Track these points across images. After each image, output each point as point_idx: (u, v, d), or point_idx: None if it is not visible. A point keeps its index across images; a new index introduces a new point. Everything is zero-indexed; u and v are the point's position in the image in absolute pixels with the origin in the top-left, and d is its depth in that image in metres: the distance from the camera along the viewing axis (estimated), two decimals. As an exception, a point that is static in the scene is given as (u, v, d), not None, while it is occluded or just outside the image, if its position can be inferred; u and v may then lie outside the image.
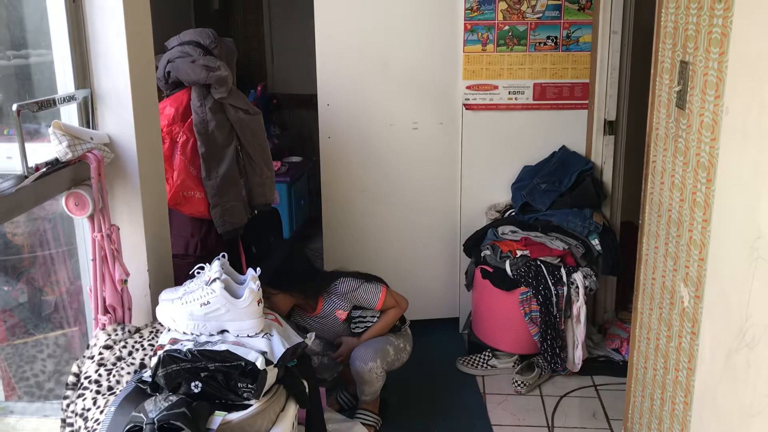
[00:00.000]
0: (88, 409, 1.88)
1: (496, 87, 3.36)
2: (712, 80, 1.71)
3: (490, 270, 3.20)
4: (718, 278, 1.69)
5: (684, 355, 1.92)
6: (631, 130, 3.38)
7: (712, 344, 1.72)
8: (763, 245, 1.43)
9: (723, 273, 1.66)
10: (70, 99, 1.97)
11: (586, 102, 3.38)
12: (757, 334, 1.46)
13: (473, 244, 3.42)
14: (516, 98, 3.38)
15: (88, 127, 2.05)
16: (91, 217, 1.99)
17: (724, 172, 1.66)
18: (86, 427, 1.85)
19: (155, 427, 1.61)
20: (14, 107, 1.72)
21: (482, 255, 3.28)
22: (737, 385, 1.56)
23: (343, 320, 2.79)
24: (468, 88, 3.37)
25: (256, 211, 2.80)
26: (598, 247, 3.21)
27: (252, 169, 2.66)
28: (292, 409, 1.97)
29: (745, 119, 1.53)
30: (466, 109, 3.40)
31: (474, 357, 3.30)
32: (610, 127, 3.34)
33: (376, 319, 2.81)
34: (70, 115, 2.05)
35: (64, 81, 2.02)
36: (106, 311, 2.07)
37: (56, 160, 1.88)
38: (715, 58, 1.69)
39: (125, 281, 2.06)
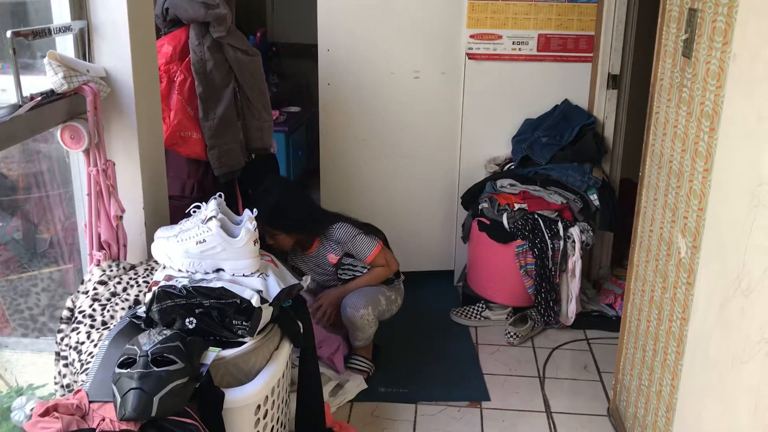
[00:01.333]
0: (82, 343, 1.88)
1: (500, 36, 3.31)
2: (721, 26, 1.68)
3: (488, 222, 3.19)
4: (717, 227, 1.68)
5: (678, 306, 1.92)
6: (635, 85, 3.34)
7: (708, 293, 1.72)
8: (765, 192, 1.42)
9: (722, 222, 1.65)
10: (65, 29, 1.93)
11: (591, 55, 3.33)
12: (752, 281, 1.45)
13: (471, 197, 3.41)
14: (520, 49, 3.33)
15: (85, 60, 2.02)
16: (87, 152, 1.98)
17: (728, 121, 1.64)
18: (80, 360, 1.85)
19: (149, 359, 1.62)
20: (8, 33, 1.68)
21: (480, 208, 3.27)
22: (730, 332, 1.56)
23: (333, 264, 2.83)
24: (471, 37, 3.32)
25: (253, 156, 2.78)
26: (597, 203, 3.20)
27: (250, 112, 2.63)
28: (286, 348, 1.98)
29: (753, 65, 1.50)
30: (469, 58, 3.35)
31: (468, 308, 3.32)
32: (613, 81, 3.30)
33: (365, 270, 2.84)
34: (66, 47, 2.02)
35: (60, 13, 1.98)
36: (101, 247, 2.06)
37: (52, 91, 1.86)
38: (725, 3, 1.65)
39: (120, 217, 2.05)
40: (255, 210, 2.25)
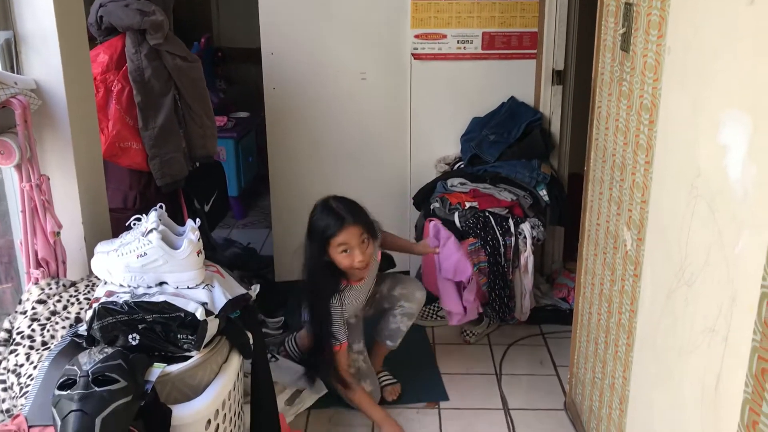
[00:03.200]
0: (21, 365, 1.81)
1: (444, 36, 3.31)
2: (655, 20, 1.69)
3: (440, 222, 3.19)
4: (659, 219, 1.70)
5: (627, 298, 1.94)
6: (580, 79, 3.37)
7: (653, 285, 1.73)
8: (702, 183, 1.43)
9: (664, 214, 1.66)
10: (-10, 41, 1.86)
11: (535, 51, 3.36)
12: (695, 271, 1.46)
13: (423, 197, 3.40)
14: (465, 47, 3.34)
15: (12, 72, 1.95)
16: (19, 167, 1.90)
17: (666, 113, 1.65)
18: (19, 383, 1.79)
19: (89, 379, 1.56)
20: (-74, 47, 1.61)
21: (431, 208, 3.26)
22: (676, 323, 1.58)
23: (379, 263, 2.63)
24: (416, 37, 3.31)
25: (197, 164, 2.72)
26: (546, 198, 3.22)
27: (191, 119, 2.57)
28: (235, 361, 1.94)
29: (686, 57, 1.52)
30: (415, 58, 3.34)
31: (424, 308, 3.30)
32: (558, 77, 3.33)
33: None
34: (-9, 59, 1.95)
35: (-16, 23, 1.91)
36: (38, 265, 1.99)
37: (-23, 105, 1.78)
38: (658, -3, 1.67)
39: (58, 233, 1.98)
40: (350, 216, 2.29)
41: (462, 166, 3.40)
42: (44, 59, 1.96)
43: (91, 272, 2.04)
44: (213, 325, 1.82)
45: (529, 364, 2.96)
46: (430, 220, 3.22)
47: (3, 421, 1.80)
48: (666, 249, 1.63)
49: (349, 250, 2.35)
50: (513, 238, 3.05)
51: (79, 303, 1.97)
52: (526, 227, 3.07)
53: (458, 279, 2.73)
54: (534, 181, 3.21)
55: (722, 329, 1.32)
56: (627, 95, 1.93)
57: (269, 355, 2.82)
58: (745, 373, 1.20)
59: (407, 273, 3.68)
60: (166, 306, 1.77)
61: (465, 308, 2.78)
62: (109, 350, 1.66)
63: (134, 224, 1.95)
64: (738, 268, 1.26)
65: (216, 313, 1.83)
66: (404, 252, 2.94)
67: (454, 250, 2.66)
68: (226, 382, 1.85)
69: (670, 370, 1.61)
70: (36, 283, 1.98)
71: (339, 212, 2.36)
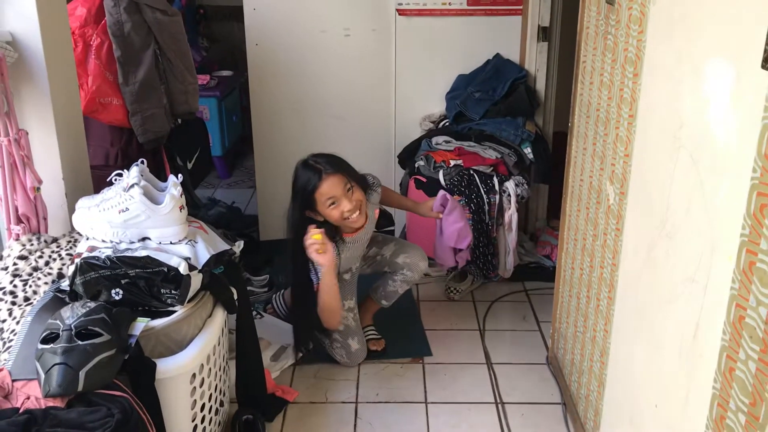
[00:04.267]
0: (4, 321, 1.81)
1: (429, -9, 3.27)
2: (641, -29, 1.68)
3: (424, 180, 3.18)
4: (642, 172, 1.70)
5: (609, 252, 1.95)
6: (565, 36, 3.34)
7: (635, 238, 1.75)
8: (685, 134, 1.43)
9: (647, 166, 1.67)
10: (-38, -9, 1.81)
11: (521, 8, 3.32)
12: (676, 222, 1.47)
13: (407, 156, 3.39)
14: (450, 3, 3.29)
15: (-13, 24, 1.90)
16: (-4, 121, 1.87)
17: (650, 65, 1.64)
18: (2, 338, 1.78)
19: (72, 333, 1.57)
20: None
21: (416, 166, 3.25)
22: (657, 275, 1.59)
23: (376, 219, 2.63)
24: (401, -8, 3.26)
25: (179, 121, 2.69)
26: (531, 156, 3.22)
27: (173, 74, 2.54)
28: (219, 316, 1.95)
29: (672, 6, 1.51)
30: (400, 14, 3.30)
31: (408, 267, 3.32)
32: (543, 33, 3.30)
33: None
34: (-35, 11, 1.90)
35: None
36: (19, 221, 1.98)
37: (-49, 57, 1.75)
38: (645, -53, 1.65)
39: (38, 189, 1.97)
40: (331, 167, 2.29)
41: (447, 124, 3.38)
42: (20, 11, 1.92)
43: (72, 228, 2.02)
44: (196, 280, 1.83)
45: (512, 320, 2.99)
46: (414, 178, 3.22)
47: (-13, 375, 1.80)
48: (648, 202, 1.64)
49: (336, 202, 2.33)
50: (497, 196, 3.05)
51: (61, 258, 1.96)
52: (510, 185, 3.08)
53: (459, 246, 2.75)
54: (519, 138, 3.21)
55: (702, 279, 1.33)
56: (612, 49, 1.92)
57: (254, 312, 2.83)
58: (723, 321, 1.22)
59: (391, 232, 3.69)
60: (148, 261, 1.76)
61: (457, 262, 2.84)
62: (92, 304, 1.66)
63: (116, 180, 1.94)
64: (718, 218, 1.27)
65: (199, 268, 1.83)
66: (407, 210, 2.96)
67: (458, 218, 2.69)
68: (211, 337, 1.86)
69: (650, 322, 1.63)
70: (17, 239, 1.97)
71: (317, 166, 2.35)
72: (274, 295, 2.96)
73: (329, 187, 2.31)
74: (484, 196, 3.04)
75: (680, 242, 1.46)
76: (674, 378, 1.47)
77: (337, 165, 2.36)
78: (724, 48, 1.26)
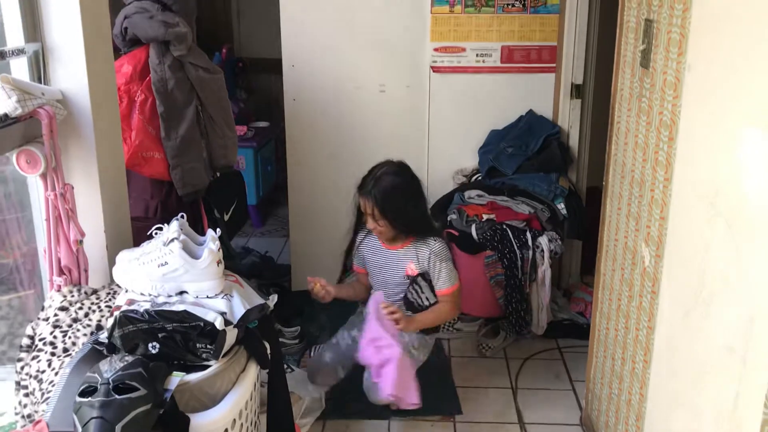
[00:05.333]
0: (43, 371, 1.84)
1: (463, 49, 3.33)
2: (676, 37, 1.70)
3: (456, 234, 3.19)
4: (678, 236, 1.69)
5: (644, 314, 1.93)
6: (598, 94, 3.37)
7: (671, 302, 1.73)
8: (722, 201, 1.43)
9: (682, 231, 1.66)
10: (19, 52, 1.90)
11: (554, 65, 3.36)
12: (713, 290, 1.46)
13: (440, 209, 3.40)
14: (484, 61, 3.35)
15: (40, 83, 1.98)
16: (44, 176, 1.94)
17: (686, 130, 1.65)
18: (41, 389, 1.81)
19: (110, 387, 1.58)
20: (-42, 58, 1.65)
21: (448, 219, 3.27)
22: (693, 342, 1.57)
23: (407, 275, 2.59)
24: (435, 50, 3.33)
25: (218, 174, 2.75)
26: (564, 211, 3.22)
27: (213, 129, 2.60)
28: (252, 371, 1.95)
29: (707, 75, 1.52)
30: (434, 71, 3.36)
31: (440, 321, 3.30)
32: (577, 90, 3.33)
33: (428, 303, 2.57)
34: (20, 70, 1.98)
35: (13, 35, 1.95)
36: (61, 272, 2.02)
37: (5, 115, 1.82)
38: (679, 15, 1.67)
39: (81, 242, 2.01)
40: (370, 187, 2.50)
41: (480, 178, 3.40)
42: (70, 70, 1.99)
43: (112, 280, 2.06)
44: (231, 335, 1.84)
45: (546, 379, 2.95)
46: (447, 232, 3.23)
47: (25, 426, 1.83)
48: (684, 266, 1.63)
49: (364, 213, 2.59)
50: (530, 251, 3.05)
51: (101, 311, 2.00)
52: (543, 240, 3.07)
53: (375, 379, 2.40)
54: (552, 194, 3.21)
55: (741, 348, 1.32)
56: (646, 111, 1.93)
57: (285, 366, 2.83)
58: (765, 394, 1.20)
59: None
60: (185, 315, 1.79)
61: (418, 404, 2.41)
62: (130, 358, 1.68)
63: (156, 233, 1.98)
64: (757, 287, 1.26)
65: (235, 322, 1.85)
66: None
67: (381, 333, 2.37)
68: (244, 392, 1.86)
69: (688, 389, 1.61)
70: (58, 290, 2.01)
71: (367, 177, 2.59)
72: (311, 348, 2.97)
73: (361, 199, 2.58)
74: (517, 251, 3.04)
75: (717, 310, 1.44)
76: (713, 449, 1.44)
77: (376, 188, 2.52)
78: (759, 116, 1.27)
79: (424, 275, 2.58)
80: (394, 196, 2.51)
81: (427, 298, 2.58)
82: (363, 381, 2.55)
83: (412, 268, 2.59)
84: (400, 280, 2.62)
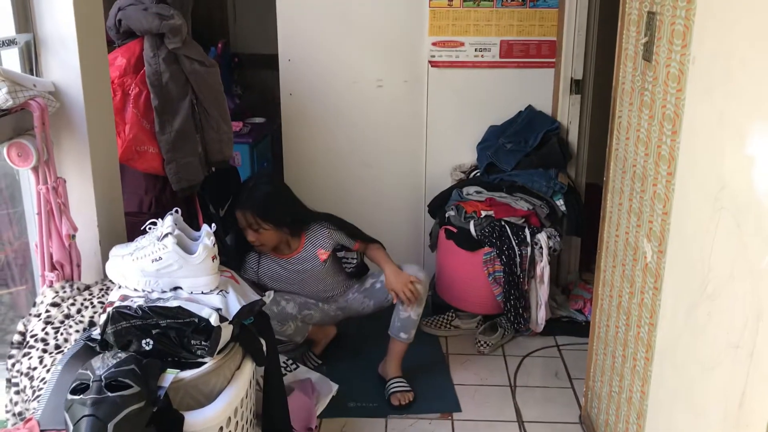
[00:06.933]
0: (34, 368, 1.81)
1: (462, 44, 3.29)
2: (680, 29, 1.67)
3: (455, 230, 3.16)
4: (681, 232, 1.67)
5: (646, 311, 1.91)
6: (598, 89, 3.34)
7: (674, 298, 1.70)
8: (727, 196, 1.40)
9: (686, 226, 1.63)
10: (10, 43, 1.86)
11: (553, 60, 3.33)
12: (718, 286, 1.43)
13: (438, 205, 3.37)
14: (482, 56, 3.32)
15: (32, 74, 1.95)
16: (36, 169, 1.90)
17: (689, 124, 1.63)
18: (32, 387, 1.78)
19: (102, 384, 1.55)
20: (-54, 48, 1.61)
21: (447, 216, 3.24)
22: (697, 338, 1.55)
23: (323, 260, 2.78)
24: (434, 44, 3.29)
25: (213, 169, 2.71)
26: (563, 208, 3.19)
27: (208, 123, 2.56)
28: (248, 367, 1.92)
29: (712, 67, 1.49)
30: (432, 66, 3.33)
31: (437, 318, 3.28)
32: (576, 86, 3.30)
33: (359, 259, 2.90)
34: (11, 61, 1.95)
35: (4, 25, 1.91)
36: (53, 268, 1.99)
37: (-4, 107, 1.78)
38: (683, 6, 1.64)
39: (73, 236, 1.98)
40: (244, 200, 2.52)
41: (478, 174, 3.37)
42: (63, 62, 1.96)
43: (105, 276, 2.03)
44: (227, 332, 1.81)
45: (544, 376, 2.92)
46: (444, 228, 3.20)
47: (15, 424, 1.80)
48: (688, 262, 1.60)
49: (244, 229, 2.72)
50: (529, 248, 3.02)
51: (93, 307, 1.97)
52: (542, 237, 3.04)
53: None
54: (551, 190, 3.18)
55: (747, 345, 1.29)
56: (649, 105, 1.90)
57: (291, 363, 2.81)
58: (772, 391, 1.17)
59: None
60: (180, 311, 1.76)
61: None
62: (123, 355, 1.65)
63: (150, 228, 1.95)
64: (764, 283, 1.23)
65: (230, 319, 1.82)
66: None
67: (307, 391, 2.56)
68: (239, 390, 1.83)
69: (691, 386, 1.58)
70: (50, 285, 1.98)
71: (239, 194, 2.72)
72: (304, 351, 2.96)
73: (239, 215, 2.70)
74: (516, 248, 3.01)
75: (723, 306, 1.42)
76: (718, 448, 1.41)
77: (248, 201, 2.67)
78: (767, 109, 1.24)
79: (337, 249, 2.85)
80: (272, 199, 2.70)
81: (354, 258, 2.92)
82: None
83: (323, 253, 2.79)
84: (323, 268, 2.81)
